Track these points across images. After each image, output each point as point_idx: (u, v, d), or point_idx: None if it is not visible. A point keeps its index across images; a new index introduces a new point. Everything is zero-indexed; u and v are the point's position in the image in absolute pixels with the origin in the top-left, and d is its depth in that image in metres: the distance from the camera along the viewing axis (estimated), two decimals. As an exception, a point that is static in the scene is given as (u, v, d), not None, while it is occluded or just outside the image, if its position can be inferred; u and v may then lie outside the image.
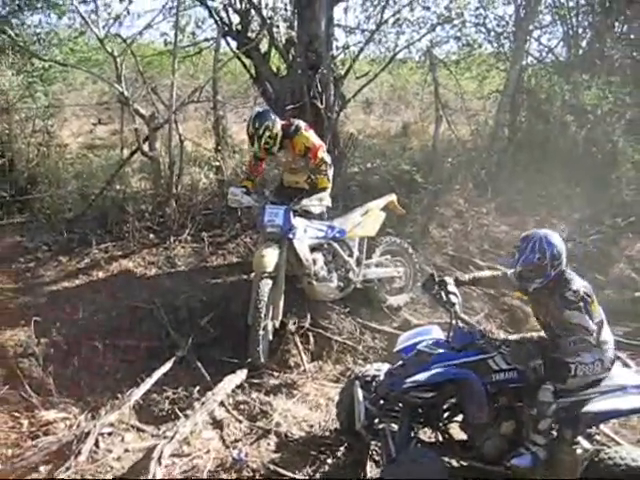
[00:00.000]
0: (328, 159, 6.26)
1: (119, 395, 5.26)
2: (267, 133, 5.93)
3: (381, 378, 4.42)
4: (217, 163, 7.73)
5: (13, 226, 7.37)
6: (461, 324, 4.30)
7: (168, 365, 5.59)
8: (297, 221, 5.90)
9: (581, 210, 10.08)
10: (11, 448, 4.64)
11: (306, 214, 6.08)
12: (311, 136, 6.20)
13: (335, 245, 6.30)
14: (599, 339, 4.19)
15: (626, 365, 4.63)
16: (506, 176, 9.63)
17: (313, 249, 6.10)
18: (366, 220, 6.50)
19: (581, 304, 4.09)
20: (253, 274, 5.92)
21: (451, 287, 4.46)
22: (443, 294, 4.44)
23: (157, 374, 5.45)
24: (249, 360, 5.60)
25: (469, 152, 10.01)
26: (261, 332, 5.53)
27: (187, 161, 7.92)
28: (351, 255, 6.43)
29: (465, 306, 6.90)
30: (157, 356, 5.75)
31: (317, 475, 4.53)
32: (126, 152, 8.24)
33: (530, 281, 4.25)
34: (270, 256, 5.61)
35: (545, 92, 11.04)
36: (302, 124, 6.22)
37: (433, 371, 4.05)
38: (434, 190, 8.62)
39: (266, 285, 5.59)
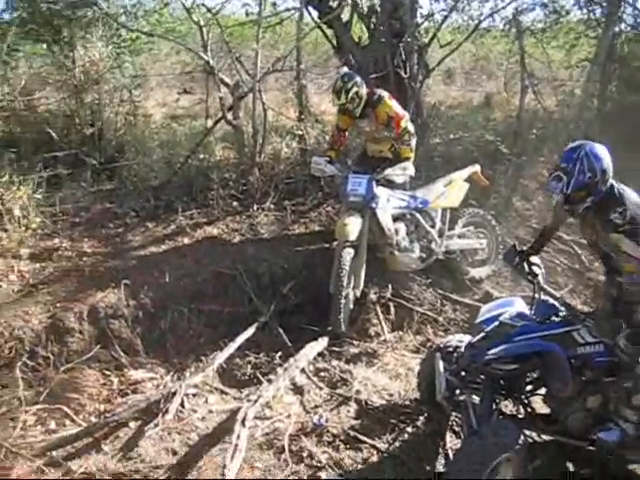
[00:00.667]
0: (411, 128, 6.23)
1: (203, 358, 5.44)
2: (355, 89, 5.96)
3: (462, 350, 4.37)
4: (300, 132, 7.79)
5: (102, 193, 7.62)
6: (544, 296, 4.22)
7: (251, 330, 5.73)
8: (380, 190, 5.89)
9: (678, 186, 9.66)
10: (103, 404, 4.87)
11: (389, 184, 6.04)
12: (394, 105, 6.18)
13: (418, 215, 6.29)
14: None
15: None
16: (595, 148, 9.26)
17: (395, 219, 6.09)
18: (449, 191, 6.44)
19: (628, 227, 3.81)
20: (335, 243, 6.00)
21: (534, 258, 4.36)
22: (525, 265, 4.35)
23: (240, 339, 5.59)
24: (330, 328, 5.67)
25: (555, 123, 9.67)
26: (343, 301, 5.57)
27: (270, 130, 7.98)
28: (433, 226, 6.41)
29: (549, 281, 6.77)
30: (240, 321, 5.90)
31: (397, 443, 4.56)
32: (210, 121, 8.38)
33: (581, 202, 3.93)
34: (353, 225, 5.62)
35: (638, 60, 10.57)
36: (385, 93, 6.20)
37: (516, 343, 3.98)
38: (518, 162, 8.40)
39: (348, 254, 5.61)
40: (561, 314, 4.12)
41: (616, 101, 10.59)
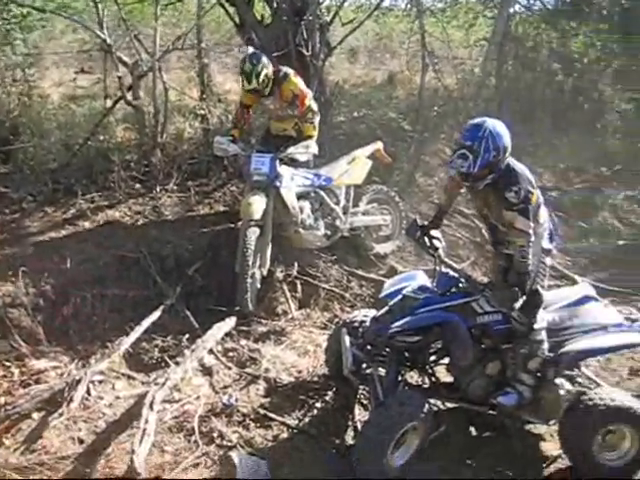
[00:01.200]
0: (315, 107, 6.27)
1: (108, 344, 5.29)
2: (264, 71, 5.91)
3: (368, 324, 4.47)
4: (202, 112, 7.66)
5: (-3, 177, 7.28)
6: (445, 269, 4.35)
7: (157, 314, 5.61)
8: (283, 169, 5.89)
9: (567, 159, 10.14)
10: (3, 396, 4.67)
11: (292, 162, 6.05)
12: (299, 83, 6.20)
13: (322, 193, 6.33)
14: (539, 223, 4.18)
15: (607, 306, 4.71)
16: (492, 125, 9.54)
17: (300, 197, 6.11)
18: (353, 168, 6.50)
19: (521, 206, 3.98)
20: (240, 222, 5.93)
21: (434, 232, 4.48)
22: (426, 239, 4.46)
23: (146, 323, 5.46)
24: (237, 308, 5.65)
25: (455, 101, 9.94)
26: (249, 280, 5.57)
27: (172, 110, 7.84)
28: (338, 203, 6.45)
29: (451, 254, 6.98)
30: (145, 305, 5.78)
31: (306, 419, 4.62)
32: (109, 102, 8.12)
33: (483, 179, 4.07)
34: (257, 204, 5.61)
35: (532, 40, 10.98)
36: (290, 71, 6.20)
37: (418, 315, 4.11)
38: (420, 139, 8.59)
39: (253, 233, 5.61)
40: (461, 285, 4.26)
41: (512, 80, 10.98)
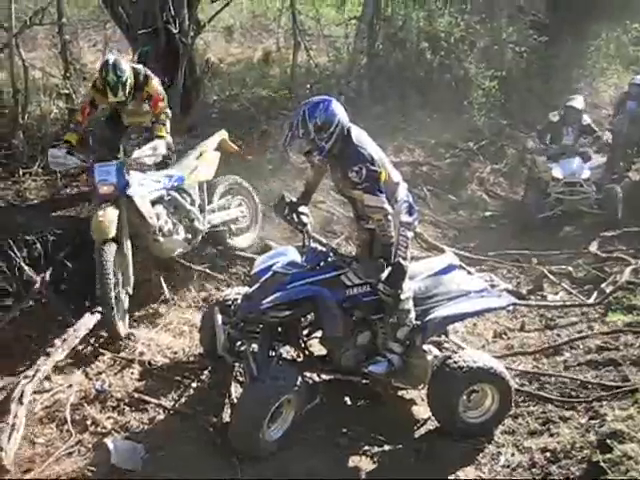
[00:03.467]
0: (168, 110, 5.94)
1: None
2: (129, 81, 5.53)
3: (239, 301, 4.50)
4: (66, 91, 7.35)
5: None
6: (314, 244, 4.43)
7: (24, 304, 5.39)
8: (132, 176, 5.35)
9: (437, 135, 10.52)
10: None
11: (140, 166, 5.55)
12: (156, 84, 5.86)
13: (175, 195, 5.85)
14: (396, 200, 4.31)
15: (470, 274, 4.97)
16: (364, 103, 9.74)
17: (153, 202, 5.59)
18: (202, 163, 6.09)
19: (367, 184, 4.10)
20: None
21: (303, 208, 4.54)
22: (294, 216, 4.51)
23: (12, 312, 5.27)
24: (107, 333, 5.20)
25: (328, 79, 10.07)
26: (112, 303, 5.01)
27: (35, 90, 7.47)
28: (193, 203, 6.02)
29: (325, 229, 7.11)
30: (12, 295, 5.54)
31: (182, 400, 4.61)
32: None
33: (310, 155, 4.22)
34: (109, 218, 5.02)
35: (401, 19, 11.26)
36: (148, 72, 5.86)
37: (288, 290, 4.17)
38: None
39: (109, 252, 5.03)
40: (330, 260, 4.36)
41: (383, 58, 11.22)
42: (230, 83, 9.77)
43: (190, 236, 5.93)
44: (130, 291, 5.34)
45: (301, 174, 7.57)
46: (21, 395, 4.24)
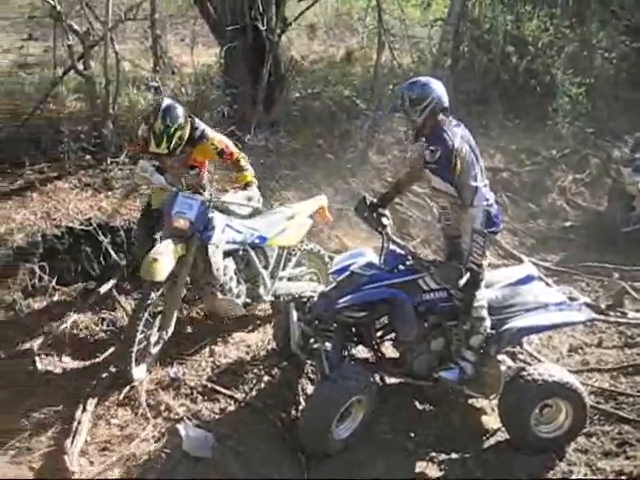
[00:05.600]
0: (242, 153, 5.28)
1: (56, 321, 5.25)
2: (179, 133, 4.77)
3: (315, 299, 4.53)
4: (155, 84, 7.55)
5: (-60, 145, 7.07)
6: (392, 246, 4.41)
7: (106, 287, 5.58)
8: (216, 218, 4.81)
9: (518, 141, 10.31)
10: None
11: (226, 211, 5.04)
12: (218, 136, 5.19)
13: (252, 253, 5.20)
14: (472, 205, 4.23)
15: (549, 285, 4.86)
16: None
17: (226, 254, 4.99)
18: (291, 226, 5.40)
19: (436, 166, 4.12)
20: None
21: (382, 210, 4.53)
22: (374, 217, 4.50)
23: (94, 296, 5.45)
24: (116, 370, 4.71)
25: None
26: (134, 348, 4.53)
27: (125, 82, 7.70)
28: (267, 267, 5.36)
29: (401, 232, 7.08)
30: (95, 278, 5.74)
31: (253, 393, 4.67)
32: (59, 71, 7.95)
33: (407, 134, 4.35)
34: (164, 262, 4.44)
35: (488, 22, 11.07)
36: (208, 129, 5.12)
37: (365, 291, 4.18)
38: (375, 117, 8.63)
39: (152, 297, 4.57)
40: (408, 263, 4.34)
41: (468, 60, 11.07)
42: (312, 81, 9.82)
43: (250, 301, 5.29)
44: (166, 337, 4.84)
45: (380, 174, 7.59)
46: (85, 404, 4.39)
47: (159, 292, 4.59)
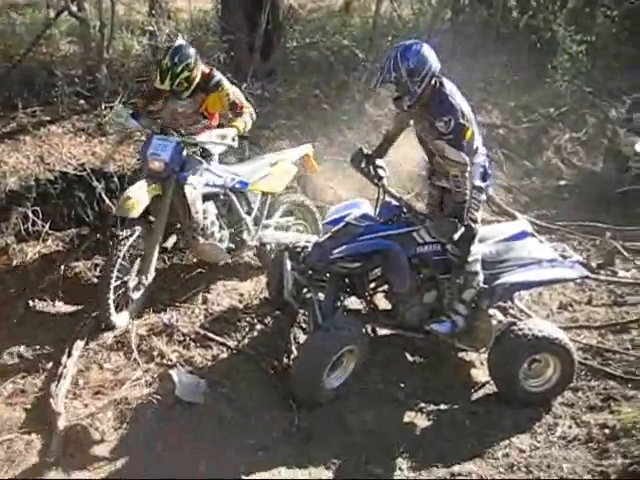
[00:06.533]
0: (253, 112, 5.20)
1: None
2: (185, 74, 4.80)
3: (309, 249, 4.53)
4: (151, 28, 7.41)
5: None
6: (388, 198, 4.40)
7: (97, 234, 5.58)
8: (191, 161, 4.82)
9: (516, 98, 10.22)
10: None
11: (203, 152, 4.97)
12: (233, 88, 5.17)
13: (233, 197, 5.21)
14: (473, 162, 4.21)
15: (542, 242, 4.88)
16: (445, 58, 9.47)
17: (205, 197, 4.99)
18: (274, 173, 5.41)
19: (451, 136, 4.02)
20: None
21: (379, 161, 4.51)
22: (371, 168, 4.48)
23: (87, 242, 5.47)
24: (95, 314, 4.72)
25: (410, 32, 9.83)
26: (111, 291, 4.53)
27: (119, 25, 7.55)
28: (250, 212, 5.35)
29: (396, 185, 7.04)
30: (88, 224, 5.73)
31: (246, 340, 4.71)
32: (52, 12, 7.78)
33: (400, 100, 4.14)
34: (139, 198, 4.50)
35: (490, -25, 10.87)
36: (224, 79, 5.12)
37: (359, 242, 4.19)
38: (373, 68, 8.50)
39: (132, 232, 4.60)
40: (403, 215, 4.34)
41: (468, 14, 10.89)
42: (310, 31, 9.65)
43: (234, 247, 5.30)
44: (146, 282, 4.76)
45: (377, 127, 7.51)
46: (71, 348, 4.43)
47: (134, 235, 4.60)
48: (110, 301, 4.55)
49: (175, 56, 4.77)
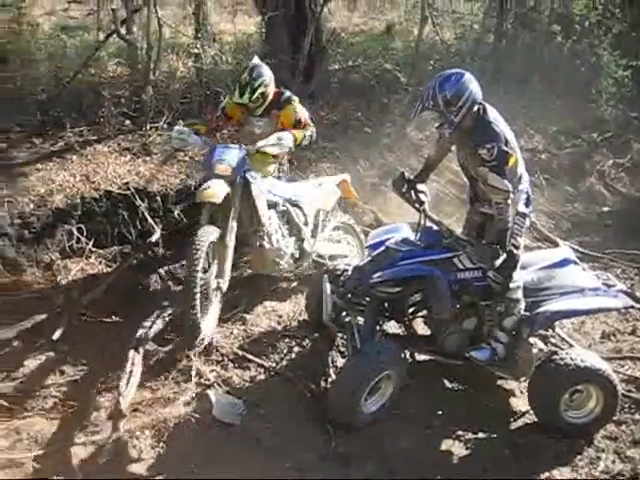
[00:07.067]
0: (314, 130, 5.38)
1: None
2: (262, 89, 5.08)
3: (349, 273, 4.53)
4: (196, 50, 7.54)
5: (-17, 104, 7.18)
6: (429, 223, 4.38)
7: (140, 253, 5.67)
8: (253, 172, 4.96)
9: (559, 122, 10.11)
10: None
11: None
12: (300, 106, 5.38)
13: (290, 208, 5.33)
14: (517, 189, 4.17)
15: (585, 270, 4.80)
16: (487, 83, 9.45)
17: (268, 206, 5.11)
18: (321, 193, 5.59)
19: (495, 163, 3.98)
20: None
21: (421, 186, 4.49)
22: (412, 193, 4.46)
23: (129, 260, 5.55)
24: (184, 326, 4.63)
25: (452, 56, 9.85)
26: (197, 289, 4.42)
27: (165, 47, 7.72)
28: (307, 224, 5.47)
29: (437, 209, 7.02)
30: (130, 241, 5.83)
31: (284, 362, 4.71)
32: (102, 35, 7.99)
33: (442, 127, 4.15)
34: (218, 188, 4.61)
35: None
36: (295, 96, 5.36)
37: (399, 267, 4.17)
38: (415, 92, 8.52)
39: (209, 233, 4.56)
40: (444, 241, 4.30)
41: (511, 38, 10.85)
42: (352, 54, 9.72)
43: (297, 255, 5.41)
44: (223, 286, 4.76)
45: (418, 150, 7.51)
46: (139, 343, 4.49)
47: (212, 235, 4.55)
48: (197, 303, 4.44)
49: (253, 72, 5.08)
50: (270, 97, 5.21)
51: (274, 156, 5.32)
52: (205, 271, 4.55)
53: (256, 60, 5.28)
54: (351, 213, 6.46)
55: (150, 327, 4.67)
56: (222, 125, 5.59)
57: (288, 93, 5.33)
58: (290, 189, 5.38)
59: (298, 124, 5.24)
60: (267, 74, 5.15)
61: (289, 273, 5.56)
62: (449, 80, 4.02)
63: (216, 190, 4.57)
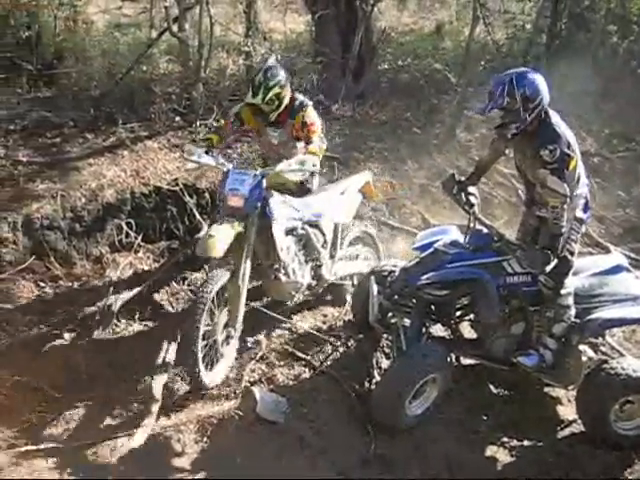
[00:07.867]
0: (324, 140, 5.15)
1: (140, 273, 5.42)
2: (276, 90, 4.73)
3: (396, 274, 4.50)
4: (246, 49, 7.59)
5: (39, 100, 7.33)
6: (479, 226, 4.32)
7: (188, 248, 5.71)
8: (274, 196, 4.59)
9: (612, 125, 9.88)
10: (37, 315, 4.85)
11: (301, 186, 5.00)
12: (315, 114, 5.03)
13: (309, 230, 4.96)
14: (575, 194, 4.08)
15: (637, 277, 4.67)
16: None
17: (285, 232, 4.75)
18: (344, 201, 5.23)
19: (556, 165, 3.89)
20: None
21: (471, 188, 4.43)
22: (463, 195, 4.41)
23: (177, 256, 5.62)
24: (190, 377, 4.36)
25: (504, 57, 9.71)
26: (198, 345, 4.12)
27: (216, 45, 7.78)
28: (325, 246, 5.13)
29: (486, 212, 6.92)
30: (179, 237, 5.90)
31: (329, 362, 4.68)
32: (154, 32, 8.10)
33: (507, 127, 4.03)
34: (221, 237, 4.17)
35: (589, -1, 10.62)
36: (309, 102, 5.06)
37: (447, 270, 4.13)
38: (465, 93, 8.42)
39: (218, 277, 4.23)
40: (494, 244, 4.23)
41: (565, 39, 10.63)
42: (401, 53, 9.66)
43: (314, 283, 5.08)
44: (235, 334, 4.47)
45: (467, 152, 7.42)
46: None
47: (220, 281, 4.23)
48: (199, 358, 4.16)
49: (268, 72, 4.76)
50: (286, 101, 4.86)
51: None
52: (212, 319, 4.29)
53: (272, 61, 5.04)
54: (398, 214, 6.42)
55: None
56: (237, 130, 5.25)
57: (301, 98, 5.03)
58: (311, 206, 4.96)
59: (304, 127, 4.89)
60: (283, 75, 4.81)
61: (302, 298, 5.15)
62: (526, 77, 3.95)
63: (218, 240, 4.14)
